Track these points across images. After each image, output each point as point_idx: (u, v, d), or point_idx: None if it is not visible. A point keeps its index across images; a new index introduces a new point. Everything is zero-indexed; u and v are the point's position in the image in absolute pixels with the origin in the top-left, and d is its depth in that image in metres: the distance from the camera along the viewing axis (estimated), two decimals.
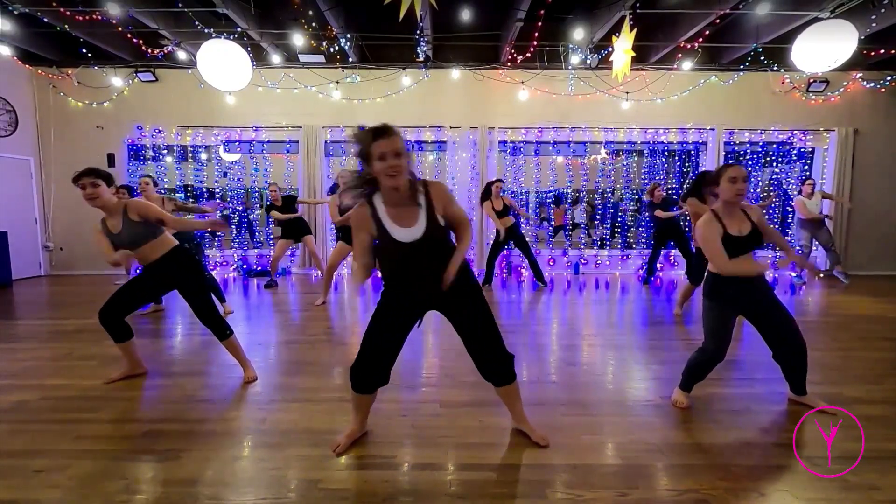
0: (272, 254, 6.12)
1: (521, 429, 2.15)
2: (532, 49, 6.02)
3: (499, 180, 5.65)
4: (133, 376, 2.85)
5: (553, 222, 10.59)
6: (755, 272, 2.24)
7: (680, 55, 6.37)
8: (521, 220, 5.90)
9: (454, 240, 1.93)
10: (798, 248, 6.25)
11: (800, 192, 6.22)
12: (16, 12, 5.09)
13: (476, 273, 6.86)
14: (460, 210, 1.89)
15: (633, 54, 4.76)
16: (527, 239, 6.14)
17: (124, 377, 2.82)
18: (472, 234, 1.83)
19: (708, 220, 2.29)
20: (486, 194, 5.61)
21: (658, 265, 6.30)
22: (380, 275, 1.93)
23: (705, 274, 2.39)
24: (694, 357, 2.43)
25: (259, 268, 6.95)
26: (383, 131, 1.67)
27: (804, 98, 6.83)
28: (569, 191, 7.38)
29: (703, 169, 4.46)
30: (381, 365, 1.93)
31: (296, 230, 5.73)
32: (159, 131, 6.82)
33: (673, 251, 6.92)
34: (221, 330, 2.77)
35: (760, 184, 7.24)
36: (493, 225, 5.67)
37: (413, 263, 1.80)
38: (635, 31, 4.62)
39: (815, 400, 2.44)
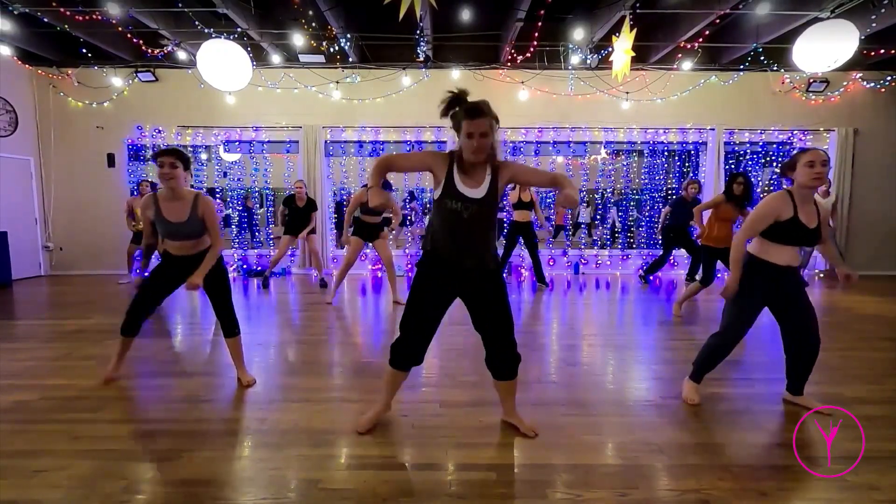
0: (273, 253, 6.12)
1: (510, 421, 2.24)
2: (532, 49, 6.01)
3: None
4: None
5: (554, 221, 10.59)
6: (730, 280, 2.25)
7: (680, 55, 6.37)
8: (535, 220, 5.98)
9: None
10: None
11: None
12: (16, 12, 5.09)
13: None
14: (542, 172, 1.98)
15: (633, 54, 4.76)
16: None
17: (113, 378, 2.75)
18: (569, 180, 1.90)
19: (781, 196, 2.21)
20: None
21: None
22: (424, 246, 2.05)
23: (745, 256, 2.30)
24: (710, 343, 2.42)
25: (259, 268, 6.96)
26: (475, 112, 1.81)
27: (804, 98, 6.83)
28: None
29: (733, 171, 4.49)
30: (421, 341, 2.04)
31: (300, 227, 5.77)
32: (159, 131, 6.82)
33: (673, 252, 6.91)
34: (231, 327, 2.76)
35: (760, 184, 7.24)
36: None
37: (463, 227, 1.92)
38: (635, 31, 4.62)
39: (810, 401, 2.44)
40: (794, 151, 2.31)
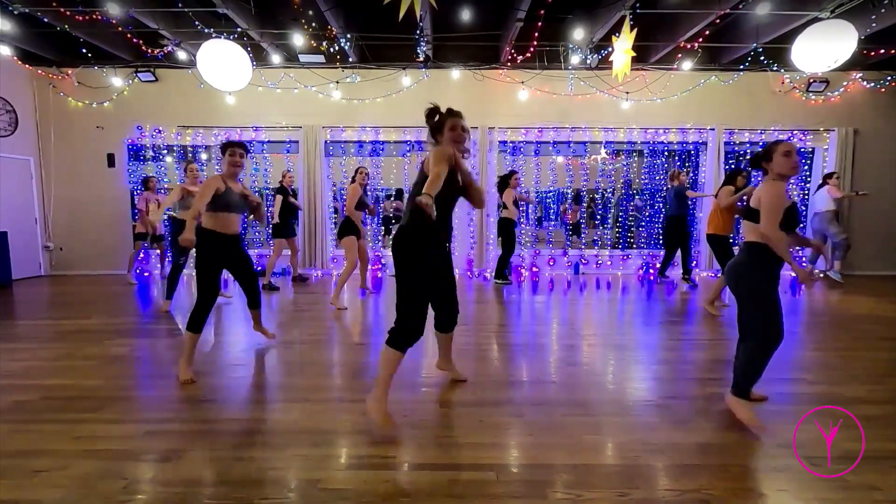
0: (276, 255, 6.13)
1: (444, 369, 2.72)
2: (532, 49, 6.01)
3: (514, 171, 6.02)
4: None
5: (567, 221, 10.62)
6: (799, 271, 2.12)
7: (680, 55, 6.37)
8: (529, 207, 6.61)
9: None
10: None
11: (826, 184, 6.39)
12: (16, 12, 5.09)
13: (471, 272, 6.79)
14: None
15: (633, 54, 4.76)
16: (525, 239, 6.12)
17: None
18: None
19: (780, 185, 2.15)
20: (505, 184, 5.88)
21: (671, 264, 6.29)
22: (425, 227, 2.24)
23: (744, 249, 2.22)
24: (750, 347, 2.19)
25: (259, 268, 6.95)
26: (457, 113, 2.47)
27: (804, 98, 6.83)
28: (569, 190, 7.39)
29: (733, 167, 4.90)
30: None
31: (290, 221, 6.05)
32: (159, 131, 6.82)
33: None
34: (256, 299, 3.29)
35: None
36: (493, 225, 5.76)
37: (447, 207, 2.35)
38: (635, 31, 4.62)
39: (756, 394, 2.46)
40: (769, 142, 2.26)
